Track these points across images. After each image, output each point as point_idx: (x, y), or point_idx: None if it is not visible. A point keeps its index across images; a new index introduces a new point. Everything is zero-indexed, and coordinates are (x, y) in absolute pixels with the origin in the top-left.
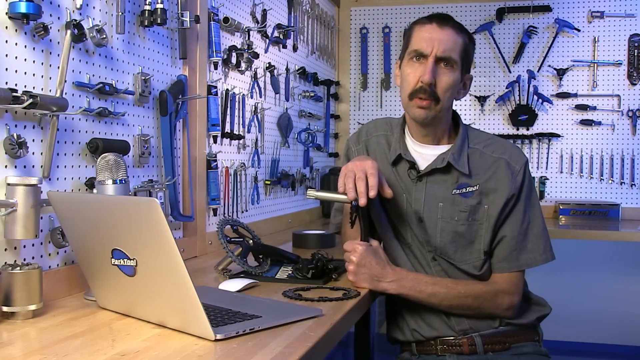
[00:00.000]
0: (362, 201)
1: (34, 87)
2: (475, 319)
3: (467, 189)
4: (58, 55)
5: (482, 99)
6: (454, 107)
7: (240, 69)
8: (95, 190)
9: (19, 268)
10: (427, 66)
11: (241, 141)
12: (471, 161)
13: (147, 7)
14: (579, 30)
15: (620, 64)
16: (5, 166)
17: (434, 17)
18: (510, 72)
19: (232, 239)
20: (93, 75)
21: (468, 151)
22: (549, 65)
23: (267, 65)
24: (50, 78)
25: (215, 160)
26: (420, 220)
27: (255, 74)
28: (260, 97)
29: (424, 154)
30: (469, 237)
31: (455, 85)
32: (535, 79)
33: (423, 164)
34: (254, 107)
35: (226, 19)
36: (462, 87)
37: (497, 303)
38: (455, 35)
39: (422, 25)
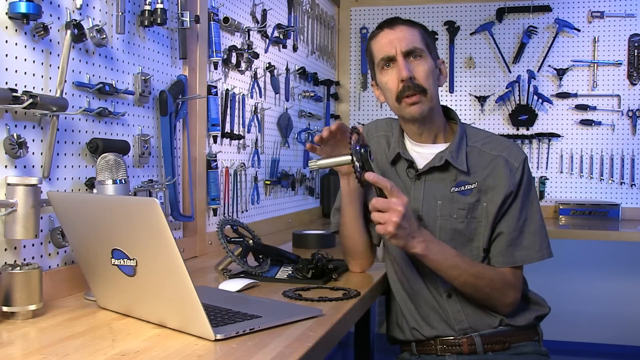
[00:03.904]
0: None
1: (34, 87)
2: (474, 317)
3: (466, 186)
4: (58, 55)
5: (482, 99)
6: (452, 107)
7: (240, 69)
8: (95, 190)
9: (19, 268)
10: (399, 64)
11: (241, 141)
12: (470, 159)
13: (147, 7)
14: (579, 30)
15: (620, 64)
16: (5, 166)
17: (383, 24)
18: (510, 72)
19: (232, 239)
20: (93, 75)
21: (467, 149)
22: (549, 65)
23: (267, 65)
24: (50, 78)
25: (215, 160)
26: (419, 218)
27: (255, 74)
28: (260, 97)
29: (422, 152)
30: (467, 235)
31: (432, 71)
32: (535, 79)
33: (421, 163)
34: (254, 107)
35: (226, 19)
36: (438, 72)
37: (504, 293)
38: (409, 28)
39: (376, 36)
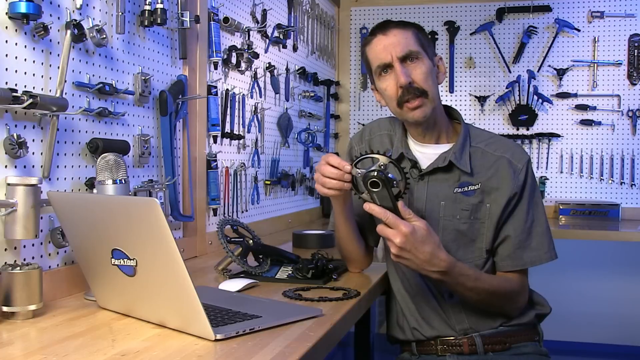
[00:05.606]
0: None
1: (34, 87)
2: (475, 317)
3: (469, 187)
4: (58, 55)
5: (482, 99)
6: (454, 107)
7: (240, 69)
8: (95, 190)
9: (19, 268)
10: (397, 70)
11: (241, 141)
12: (473, 160)
13: (147, 7)
14: (579, 30)
15: (620, 64)
16: (5, 166)
17: (375, 30)
18: (510, 72)
19: (232, 239)
20: (93, 75)
21: (470, 150)
22: (549, 65)
23: (267, 65)
24: (50, 78)
25: (215, 160)
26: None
27: (255, 74)
28: (260, 97)
29: (426, 153)
30: (470, 236)
31: (430, 71)
32: (535, 79)
33: (425, 163)
34: (254, 107)
35: (226, 19)
36: (437, 70)
37: (515, 300)
38: (402, 32)
39: (370, 43)
